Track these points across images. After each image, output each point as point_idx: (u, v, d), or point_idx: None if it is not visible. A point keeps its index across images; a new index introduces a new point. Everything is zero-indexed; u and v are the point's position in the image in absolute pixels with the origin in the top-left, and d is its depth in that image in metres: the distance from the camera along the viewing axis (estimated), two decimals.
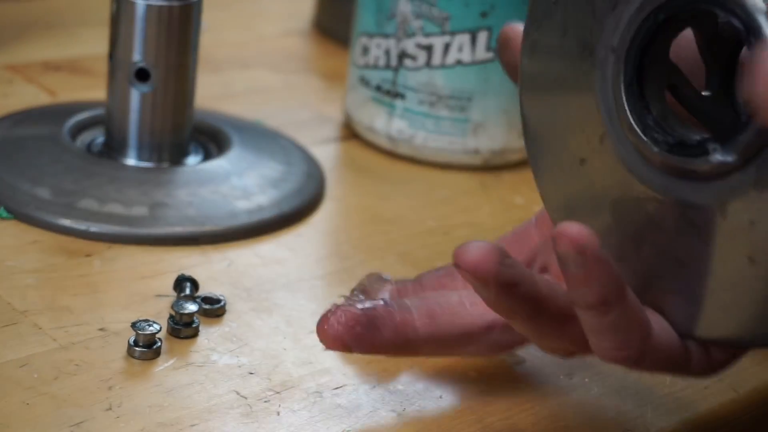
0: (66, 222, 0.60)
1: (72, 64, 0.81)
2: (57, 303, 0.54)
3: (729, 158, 0.41)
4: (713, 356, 0.45)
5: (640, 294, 0.44)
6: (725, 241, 0.42)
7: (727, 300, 0.42)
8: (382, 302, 0.49)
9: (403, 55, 0.73)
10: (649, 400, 0.54)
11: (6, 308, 0.53)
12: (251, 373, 0.51)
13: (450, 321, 0.50)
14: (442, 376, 0.53)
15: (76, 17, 0.89)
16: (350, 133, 0.77)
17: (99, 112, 0.69)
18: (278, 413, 0.49)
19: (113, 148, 0.66)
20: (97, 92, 0.72)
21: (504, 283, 0.42)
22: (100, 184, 0.62)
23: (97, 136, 0.68)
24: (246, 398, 0.50)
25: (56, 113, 0.70)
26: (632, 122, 0.43)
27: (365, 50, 0.75)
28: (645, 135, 0.43)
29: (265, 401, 0.50)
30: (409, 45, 0.73)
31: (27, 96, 0.76)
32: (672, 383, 0.55)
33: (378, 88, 0.75)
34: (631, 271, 0.45)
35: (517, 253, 0.52)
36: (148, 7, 0.63)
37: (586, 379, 0.55)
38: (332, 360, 0.53)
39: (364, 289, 0.53)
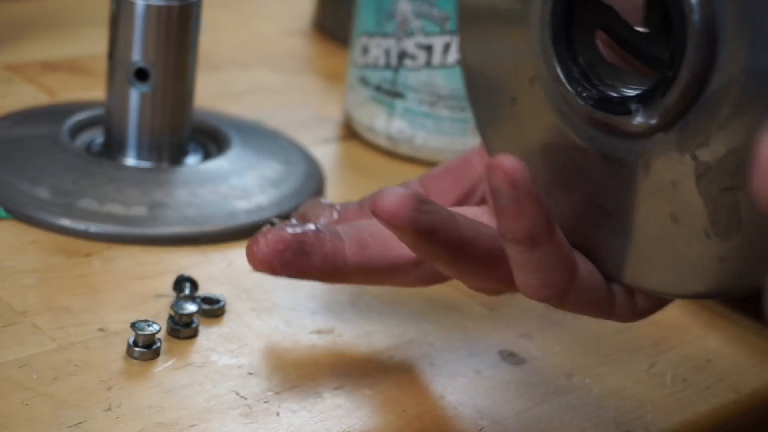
0: (65, 222, 0.60)
1: (71, 63, 0.81)
2: (56, 303, 0.54)
3: (651, 121, 0.40)
4: (638, 303, 0.45)
5: (568, 235, 0.44)
6: (649, 197, 0.42)
7: (651, 253, 0.43)
8: (314, 228, 0.48)
9: (403, 55, 0.73)
10: (650, 401, 0.54)
11: (5, 308, 0.53)
12: (251, 374, 0.51)
13: (380, 252, 0.49)
14: (441, 377, 0.53)
15: (76, 17, 0.89)
16: (350, 133, 0.77)
17: (98, 112, 0.69)
18: (278, 414, 0.49)
19: (112, 148, 0.66)
20: (97, 92, 0.72)
21: (421, 231, 0.41)
22: (99, 184, 0.62)
23: (97, 136, 0.68)
24: (245, 399, 0.50)
25: (55, 113, 0.70)
26: (559, 73, 0.43)
27: (365, 50, 0.75)
28: (571, 87, 0.43)
29: (265, 401, 0.50)
30: (409, 45, 0.73)
31: (26, 96, 0.75)
32: (673, 384, 0.55)
33: (378, 88, 0.75)
34: (560, 212, 0.45)
35: (458, 181, 0.52)
36: (148, 7, 0.63)
37: (586, 380, 0.55)
38: (332, 360, 0.53)
39: (303, 215, 0.52)
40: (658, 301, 0.46)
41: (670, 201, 0.41)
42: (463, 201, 0.53)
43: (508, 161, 0.39)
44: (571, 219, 0.45)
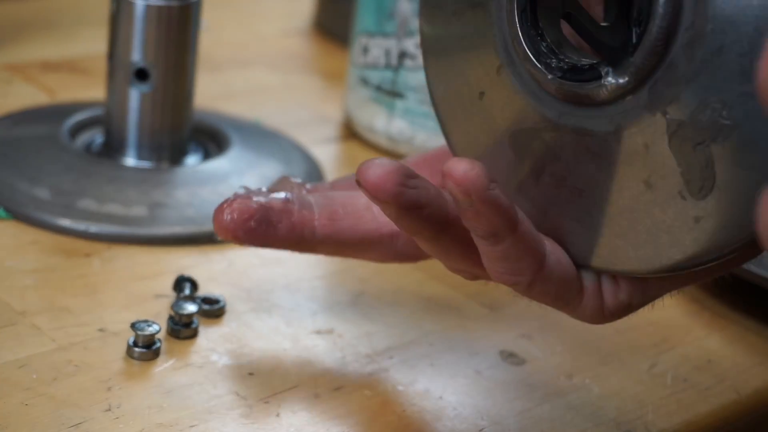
0: (65, 222, 0.60)
1: (71, 63, 0.81)
2: (56, 303, 0.54)
3: (621, 80, 0.41)
4: (606, 302, 0.45)
5: (539, 223, 0.44)
6: (621, 166, 0.42)
7: (625, 226, 0.43)
8: (282, 196, 0.47)
9: (403, 55, 0.73)
10: (650, 401, 0.54)
11: (5, 309, 0.53)
12: (251, 374, 0.51)
13: (352, 225, 0.48)
14: (442, 377, 0.53)
15: (75, 17, 0.89)
16: (350, 133, 0.77)
17: (98, 111, 0.69)
18: (278, 414, 0.49)
19: (112, 148, 0.66)
20: (96, 92, 0.72)
21: (406, 205, 0.41)
22: (99, 184, 0.62)
23: (97, 136, 0.68)
24: (246, 399, 0.50)
25: (55, 113, 0.70)
26: (526, 49, 0.43)
27: (365, 50, 0.75)
28: (539, 62, 0.43)
29: (265, 402, 0.50)
30: (410, 44, 0.73)
31: (26, 96, 0.75)
32: (673, 385, 0.55)
33: (378, 88, 0.74)
34: (531, 201, 0.45)
35: (435, 173, 0.51)
36: (148, 7, 0.63)
37: (587, 380, 0.55)
38: (332, 360, 0.53)
39: (273, 191, 0.51)
40: (626, 305, 0.45)
41: (643, 166, 0.41)
42: None
43: (459, 169, 0.39)
44: (542, 205, 0.45)
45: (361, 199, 0.49)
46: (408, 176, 0.40)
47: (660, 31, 0.39)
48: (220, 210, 0.47)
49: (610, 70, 0.41)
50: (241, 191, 0.48)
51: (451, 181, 0.39)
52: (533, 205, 0.45)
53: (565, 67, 0.42)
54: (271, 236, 0.47)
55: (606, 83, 0.41)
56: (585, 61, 0.42)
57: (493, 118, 0.46)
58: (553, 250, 0.44)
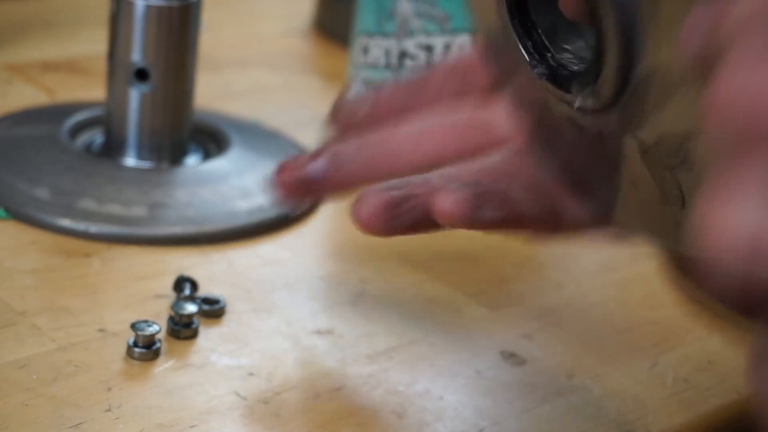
0: (65, 222, 0.60)
1: (71, 63, 0.81)
2: (56, 303, 0.54)
3: (588, 104, 0.41)
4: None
5: (565, 171, 0.46)
6: (610, 162, 0.42)
7: (623, 207, 0.43)
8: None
9: (403, 55, 0.73)
10: (651, 402, 0.54)
11: (5, 309, 0.53)
12: (251, 374, 0.51)
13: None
14: (442, 377, 0.53)
15: (75, 16, 0.89)
16: None
17: (98, 112, 0.69)
18: (278, 414, 0.49)
19: (112, 148, 0.66)
20: (96, 92, 0.72)
21: (399, 233, 0.45)
22: (99, 184, 0.62)
23: (97, 136, 0.68)
24: (246, 399, 0.50)
25: (55, 113, 0.70)
26: (518, 44, 0.44)
27: (365, 50, 0.75)
28: (529, 57, 0.43)
29: (265, 402, 0.50)
30: (410, 45, 0.73)
31: (26, 96, 0.75)
32: (674, 385, 0.55)
33: None
34: (555, 152, 0.46)
35: (461, 90, 0.51)
36: (148, 8, 0.63)
37: (587, 381, 0.54)
38: (332, 360, 0.53)
39: (335, 117, 0.54)
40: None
41: (627, 169, 0.42)
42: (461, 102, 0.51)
43: (445, 207, 0.43)
44: (563, 161, 0.46)
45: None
46: (395, 206, 0.44)
47: (615, 69, 0.39)
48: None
49: (579, 90, 0.41)
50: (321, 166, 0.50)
51: (439, 218, 0.43)
52: (557, 155, 0.46)
53: (545, 71, 0.43)
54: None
55: (576, 104, 0.41)
56: (565, 70, 0.42)
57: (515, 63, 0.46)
58: (569, 208, 0.46)
